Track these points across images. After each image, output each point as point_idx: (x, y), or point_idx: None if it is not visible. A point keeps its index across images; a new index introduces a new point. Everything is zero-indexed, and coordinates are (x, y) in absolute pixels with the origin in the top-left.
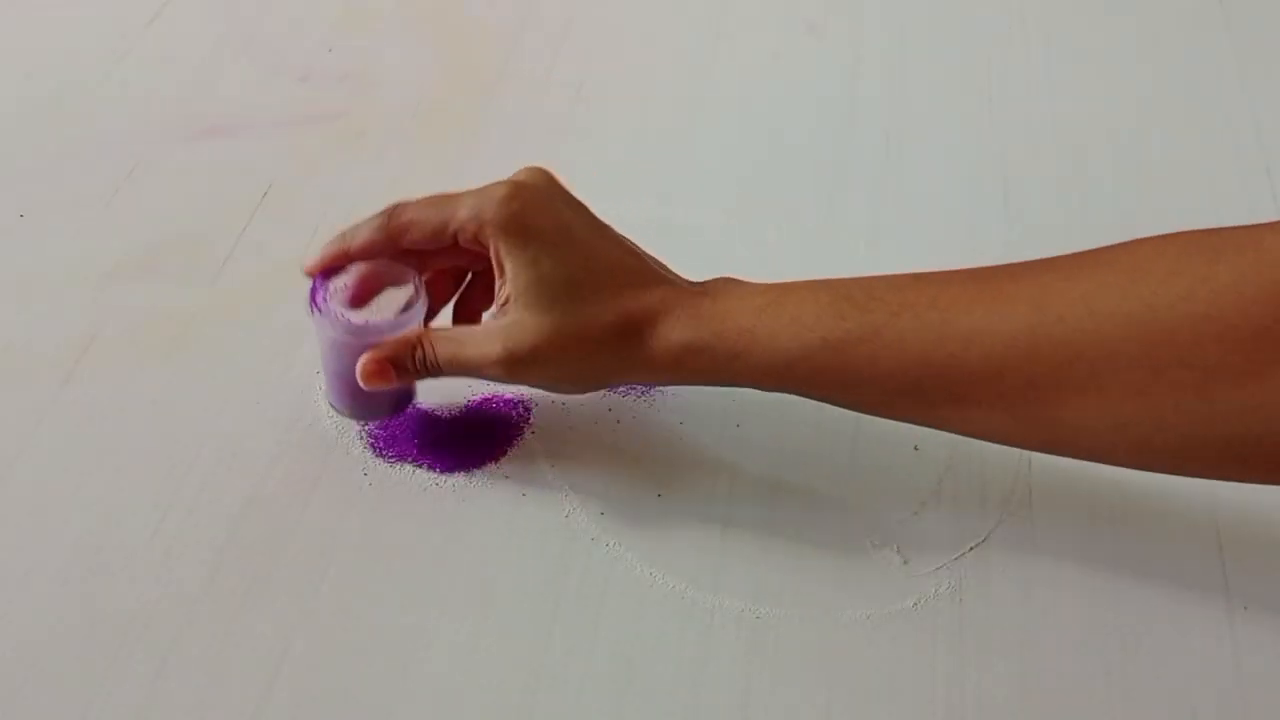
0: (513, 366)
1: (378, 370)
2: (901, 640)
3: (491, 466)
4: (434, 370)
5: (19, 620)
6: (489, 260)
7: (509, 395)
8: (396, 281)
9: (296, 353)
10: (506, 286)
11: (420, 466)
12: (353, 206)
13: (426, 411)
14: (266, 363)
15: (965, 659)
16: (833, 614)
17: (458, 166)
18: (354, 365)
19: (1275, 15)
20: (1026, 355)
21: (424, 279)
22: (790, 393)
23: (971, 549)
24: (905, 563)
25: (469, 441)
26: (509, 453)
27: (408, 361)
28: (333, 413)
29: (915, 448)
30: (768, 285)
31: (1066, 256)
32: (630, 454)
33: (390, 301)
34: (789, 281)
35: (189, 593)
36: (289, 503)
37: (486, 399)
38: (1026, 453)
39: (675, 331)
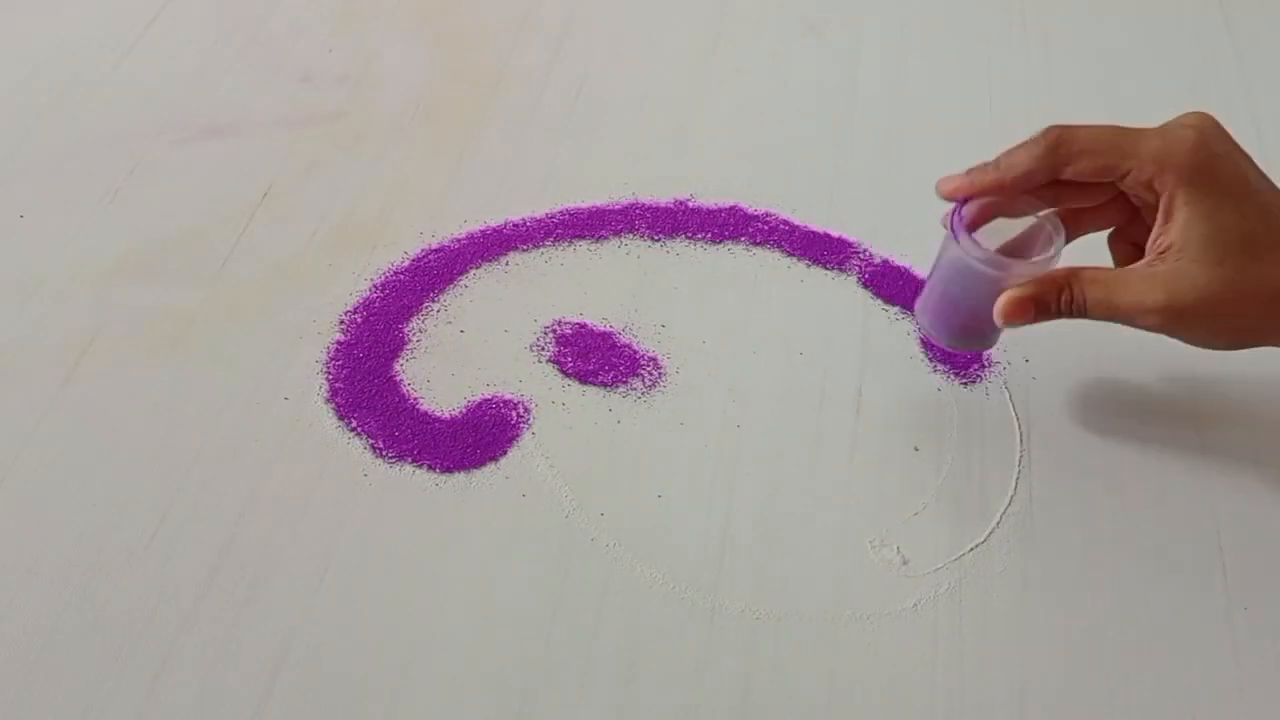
0: (1171, 317)
1: (1019, 309)
2: (901, 640)
3: (491, 466)
4: (1079, 312)
5: (19, 620)
6: (1117, 205)
7: (508, 396)
8: (1027, 213)
9: (296, 353)
10: (1172, 234)
11: (420, 466)
12: (353, 206)
13: (426, 411)
14: (266, 363)
15: (965, 659)
16: (833, 614)
17: (458, 166)
18: (977, 295)
19: (1275, 15)
20: None
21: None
22: None
23: (971, 549)
24: (905, 563)
25: (469, 441)
26: (509, 453)
27: (1052, 301)
28: (335, 419)
29: (915, 448)
30: None
31: None
32: (630, 454)
33: (1007, 230)
34: None
35: (189, 593)
36: (289, 503)
37: (486, 399)
38: (1026, 453)
39: None
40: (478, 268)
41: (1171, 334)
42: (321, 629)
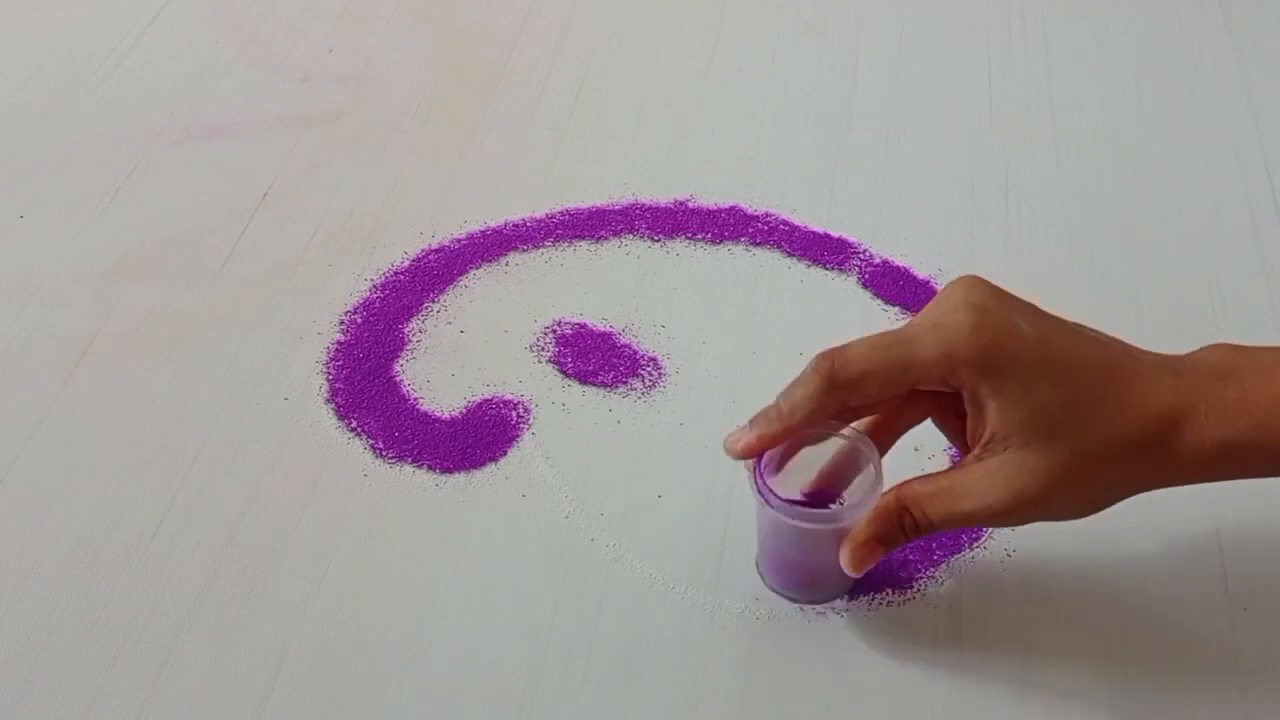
0: (1022, 511)
1: (867, 555)
2: (901, 640)
3: (491, 467)
4: (927, 530)
5: (19, 620)
6: (920, 399)
7: (508, 396)
8: (825, 436)
9: (296, 353)
10: (990, 423)
11: (420, 466)
12: (353, 207)
13: (426, 412)
14: (266, 363)
15: (965, 659)
16: (832, 614)
17: (458, 167)
18: (815, 550)
19: (1275, 16)
20: None
21: (861, 431)
22: None
23: (971, 549)
24: (905, 562)
25: (469, 441)
26: (509, 453)
27: (896, 533)
28: (335, 419)
29: (915, 448)
30: None
31: None
32: (630, 454)
33: (817, 457)
34: None
35: (189, 593)
36: (289, 503)
37: (486, 400)
38: None
39: (1207, 430)
40: (478, 268)
41: (1025, 523)
42: (321, 629)
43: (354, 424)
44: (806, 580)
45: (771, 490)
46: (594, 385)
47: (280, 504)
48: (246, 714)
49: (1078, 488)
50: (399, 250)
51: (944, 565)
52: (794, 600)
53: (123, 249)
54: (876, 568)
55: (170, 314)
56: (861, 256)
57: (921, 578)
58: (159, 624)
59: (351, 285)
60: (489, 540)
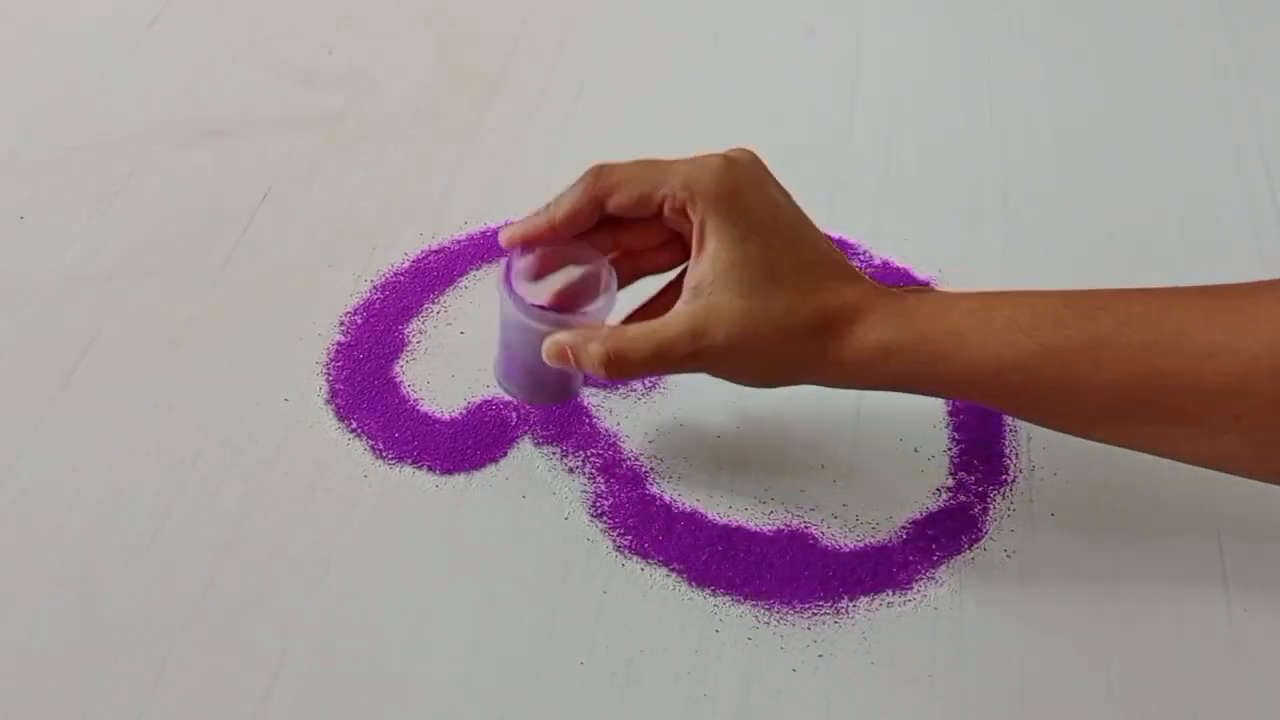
0: (702, 353)
1: (557, 354)
2: (901, 640)
3: (491, 468)
4: (619, 361)
5: (19, 620)
6: (672, 244)
7: (508, 397)
8: (586, 262)
9: (296, 354)
10: (704, 264)
11: (420, 467)
12: (353, 207)
13: (426, 413)
14: (266, 363)
15: (965, 659)
16: (832, 614)
17: (458, 167)
18: (532, 347)
19: (1275, 15)
20: (1270, 373)
21: (611, 259)
22: (990, 404)
23: (971, 549)
24: (905, 564)
25: (469, 443)
26: (509, 453)
27: (582, 354)
28: (335, 420)
29: (915, 449)
30: (975, 291)
31: None
32: (630, 455)
33: (576, 280)
34: (998, 289)
35: (189, 593)
36: (289, 503)
37: (486, 401)
38: (1027, 454)
39: (875, 330)
40: (478, 269)
41: (705, 370)
42: (321, 629)
43: (354, 425)
44: (521, 379)
45: (507, 278)
46: (594, 386)
47: (280, 504)
48: (246, 714)
49: (753, 346)
50: (399, 251)
51: (943, 566)
52: (514, 395)
53: (123, 249)
54: (876, 568)
55: (170, 314)
56: (861, 257)
57: (921, 579)
58: (159, 624)
59: (351, 286)
60: (489, 541)
